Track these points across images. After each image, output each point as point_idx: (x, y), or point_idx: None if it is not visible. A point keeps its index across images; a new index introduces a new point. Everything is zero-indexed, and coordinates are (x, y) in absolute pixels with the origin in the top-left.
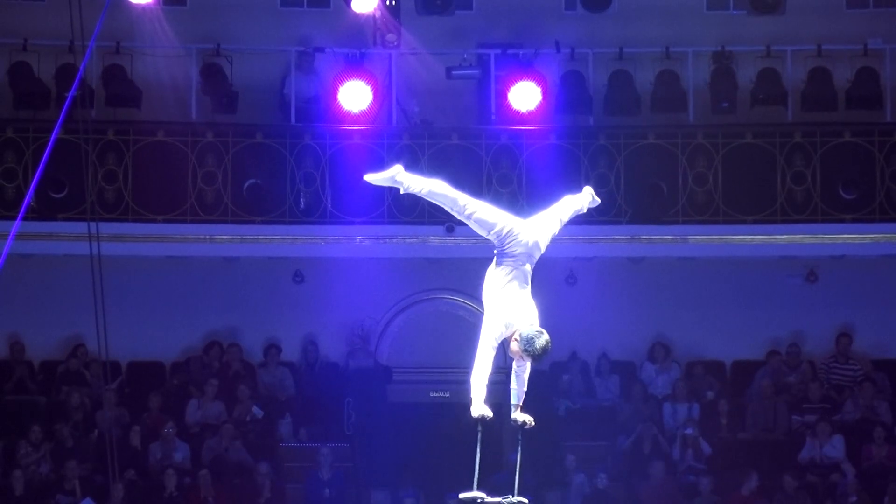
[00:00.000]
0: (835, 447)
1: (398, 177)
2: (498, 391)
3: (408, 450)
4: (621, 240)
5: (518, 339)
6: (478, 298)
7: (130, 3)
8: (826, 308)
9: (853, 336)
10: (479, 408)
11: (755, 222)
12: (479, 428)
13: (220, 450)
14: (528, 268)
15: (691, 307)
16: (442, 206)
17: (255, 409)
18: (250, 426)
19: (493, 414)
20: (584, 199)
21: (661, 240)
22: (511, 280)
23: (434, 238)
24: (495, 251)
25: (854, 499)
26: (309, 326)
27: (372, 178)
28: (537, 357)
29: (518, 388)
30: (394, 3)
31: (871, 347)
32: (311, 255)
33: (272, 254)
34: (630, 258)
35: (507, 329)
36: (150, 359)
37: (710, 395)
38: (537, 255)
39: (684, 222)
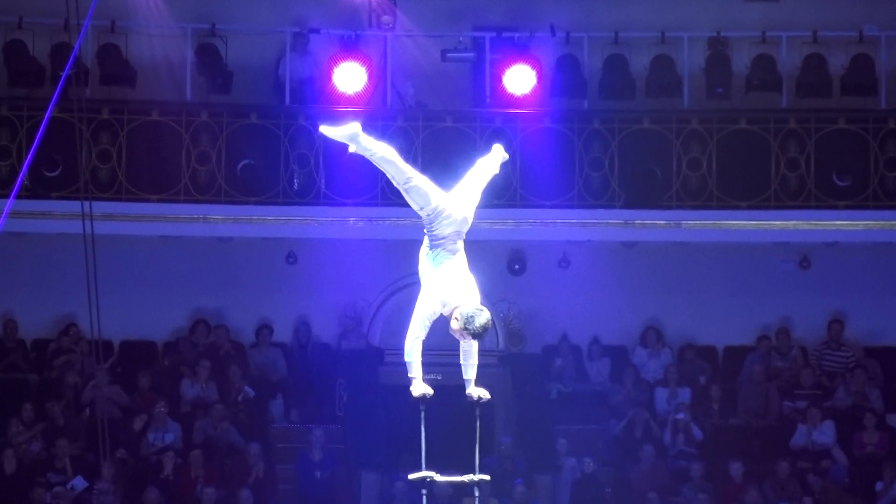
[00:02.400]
0: (826, 433)
1: (359, 136)
2: (488, 374)
3: (399, 431)
4: (615, 224)
5: (458, 317)
6: (482, 285)
7: None
8: (818, 294)
9: (845, 323)
10: (420, 387)
11: (749, 208)
12: (423, 407)
13: (211, 430)
14: (461, 244)
15: (684, 292)
16: (385, 172)
17: (246, 389)
18: (241, 407)
19: (484, 397)
20: (496, 158)
21: (654, 224)
22: (445, 257)
23: None
24: (425, 230)
25: (843, 486)
26: (301, 307)
27: (328, 130)
28: (477, 335)
29: (468, 365)
30: None
31: (863, 334)
32: (304, 237)
33: (265, 234)
34: (623, 242)
35: (443, 307)
36: (143, 338)
37: (701, 380)
38: (466, 229)
39: (678, 207)
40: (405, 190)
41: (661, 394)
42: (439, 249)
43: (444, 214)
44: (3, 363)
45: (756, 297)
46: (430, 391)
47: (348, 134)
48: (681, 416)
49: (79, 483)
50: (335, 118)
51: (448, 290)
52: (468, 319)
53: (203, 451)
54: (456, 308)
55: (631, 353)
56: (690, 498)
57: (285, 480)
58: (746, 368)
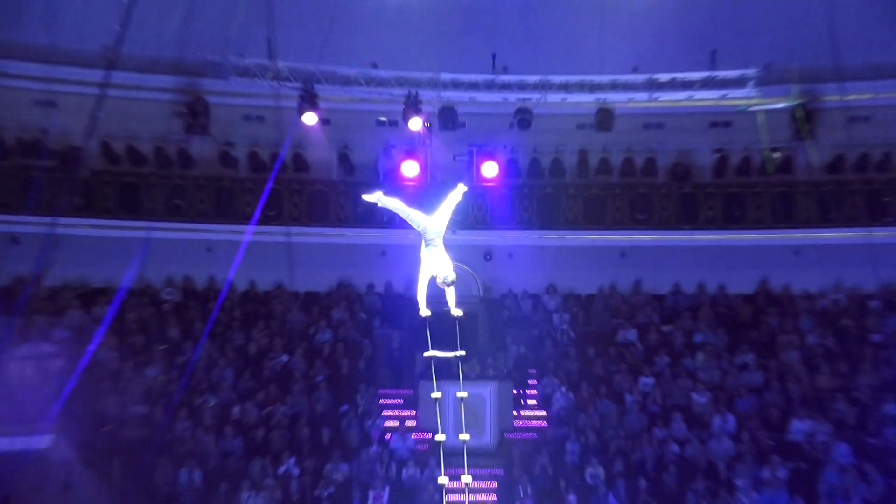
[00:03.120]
0: (632, 335)
1: (382, 198)
2: (474, 308)
3: (435, 333)
4: (533, 236)
5: (439, 276)
6: (470, 265)
7: (303, 122)
8: (629, 270)
9: (642, 284)
10: (424, 312)
11: (597, 229)
12: (428, 321)
13: (346, 333)
14: (440, 241)
15: (567, 269)
16: (398, 213)
17: (362, 314)
18: (361, 322)
19: (465, 317)
20: (459, 192)
21: (553, 237)
22: (432, 248)
23: (452, 235)
24: (422, 236)
25: (640, 359)
26: (388, 276)
27: (365, 196)
28: (449, 285)
29: (450, 300)
30: (429, 124)
31: (650, 288)
32: (390, 242)
33: (370, 241)
34: (539, 245)
35: (433, 271)
36: (314, 290)
37: (575, 310)
38: (443, 233)
39: (564, 228)
40: (408, 220)
41: (556, 317)
42: (429, 245)
43: (430, 229)
44: (243, 305)
45: (600, 271)
46: (429, 313)
47: (376, 197)
48: (565, 327)
49: (284, 357)
50: (396, 189)
51: (434, 264)
52: (445, 277)
53: (342, 343)
54: (438, 272)
55: (542, 297)
56: (570, 366)
57: (380, 357)
58: (595, 305)
